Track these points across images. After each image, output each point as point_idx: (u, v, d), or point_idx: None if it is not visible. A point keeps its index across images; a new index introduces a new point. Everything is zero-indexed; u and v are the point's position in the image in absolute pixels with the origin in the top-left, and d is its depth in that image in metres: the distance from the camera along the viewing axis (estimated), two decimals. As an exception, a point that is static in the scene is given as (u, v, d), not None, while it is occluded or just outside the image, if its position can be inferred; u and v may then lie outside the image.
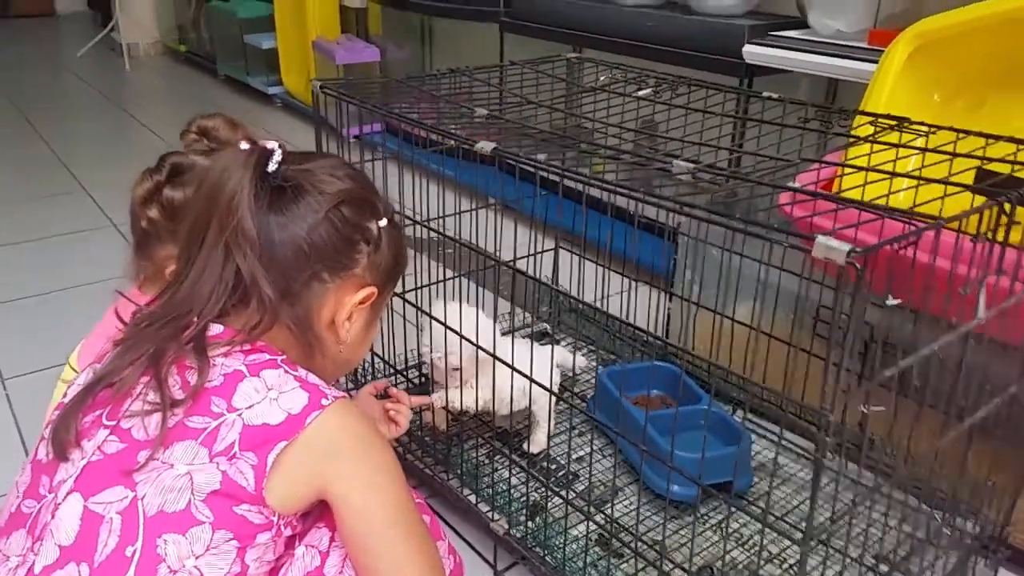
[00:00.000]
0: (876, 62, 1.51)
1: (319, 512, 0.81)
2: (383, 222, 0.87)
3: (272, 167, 0.80)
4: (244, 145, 0.81)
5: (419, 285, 1.45)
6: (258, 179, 0.78)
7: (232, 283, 0.77)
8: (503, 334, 1.47)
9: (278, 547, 0.77)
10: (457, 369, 1.28)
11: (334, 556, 0.81)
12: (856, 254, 0.70)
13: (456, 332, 1.20)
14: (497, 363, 1.17)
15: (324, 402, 0.76)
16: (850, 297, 0.72)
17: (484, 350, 1.17)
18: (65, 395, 0.81)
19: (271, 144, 0.82)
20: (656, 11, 2.25)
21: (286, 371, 0.77)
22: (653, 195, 0.87)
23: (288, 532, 0.78)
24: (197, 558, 0.71)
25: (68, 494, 0.72)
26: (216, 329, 0.78)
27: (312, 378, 0.79)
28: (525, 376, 1.11)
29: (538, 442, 1.40)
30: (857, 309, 0.74)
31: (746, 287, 1.39)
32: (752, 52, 1.89)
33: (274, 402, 0.74)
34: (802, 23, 1.97)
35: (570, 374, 1.61)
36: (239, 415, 0.73)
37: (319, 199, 0.80)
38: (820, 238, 0.71)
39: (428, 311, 1.27)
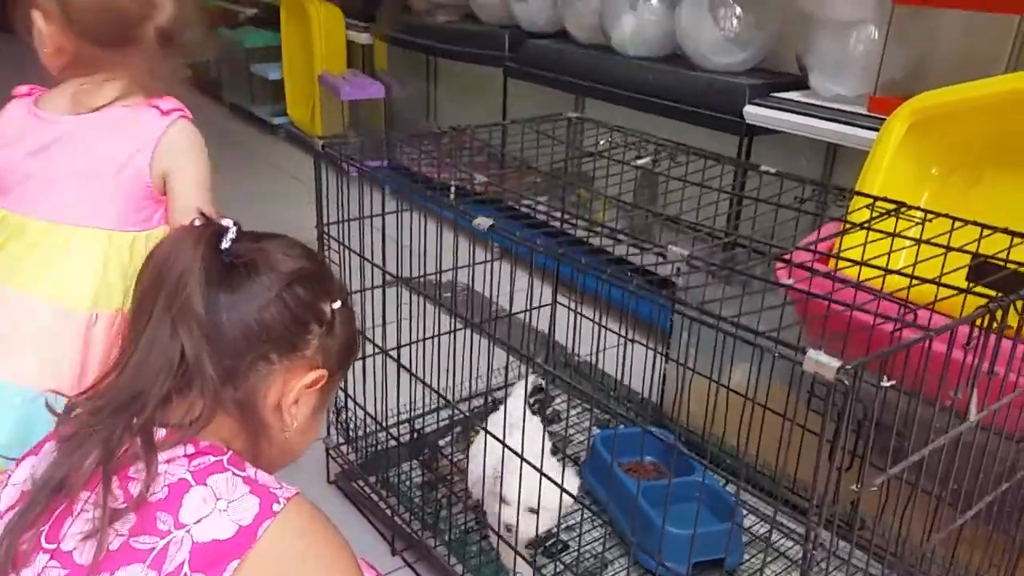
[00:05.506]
0: (875, 129, 1.52)
1: None
2: (337, 304, 0.85)
3: (226, 244, 0.78)
4: (198, 221, 0.80)
5: (413, 340, 1.45)
6: (210, 255, 0.76)
7: (177, 362, 0.75)
8: (493, 399, 1.47)
9: None
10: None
11: None
12: (846, 371, 0.69)
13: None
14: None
15: (275, 507, 0.73)
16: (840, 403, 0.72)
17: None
18: None
19: (226, 221, 0.80)
20: (658, 64, 2.26)
21: (234, 473, 0.74)
22: (646, 290, 0.87)
23: None
24: None
25: None
26: (160, 433, 0.75)
27: (262, 477, 0.76)
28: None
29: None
30: (848, 415, 0.74)
31: (742, 350, 1.39)
32: (753, 113, 1.89)
33: (223, 513, 0.71)
34: (803, 83, 1.98)
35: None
36: (187, 531, 0.70)
37: (272, 276, 0.78)
38: (811, 352, 0.71)
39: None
